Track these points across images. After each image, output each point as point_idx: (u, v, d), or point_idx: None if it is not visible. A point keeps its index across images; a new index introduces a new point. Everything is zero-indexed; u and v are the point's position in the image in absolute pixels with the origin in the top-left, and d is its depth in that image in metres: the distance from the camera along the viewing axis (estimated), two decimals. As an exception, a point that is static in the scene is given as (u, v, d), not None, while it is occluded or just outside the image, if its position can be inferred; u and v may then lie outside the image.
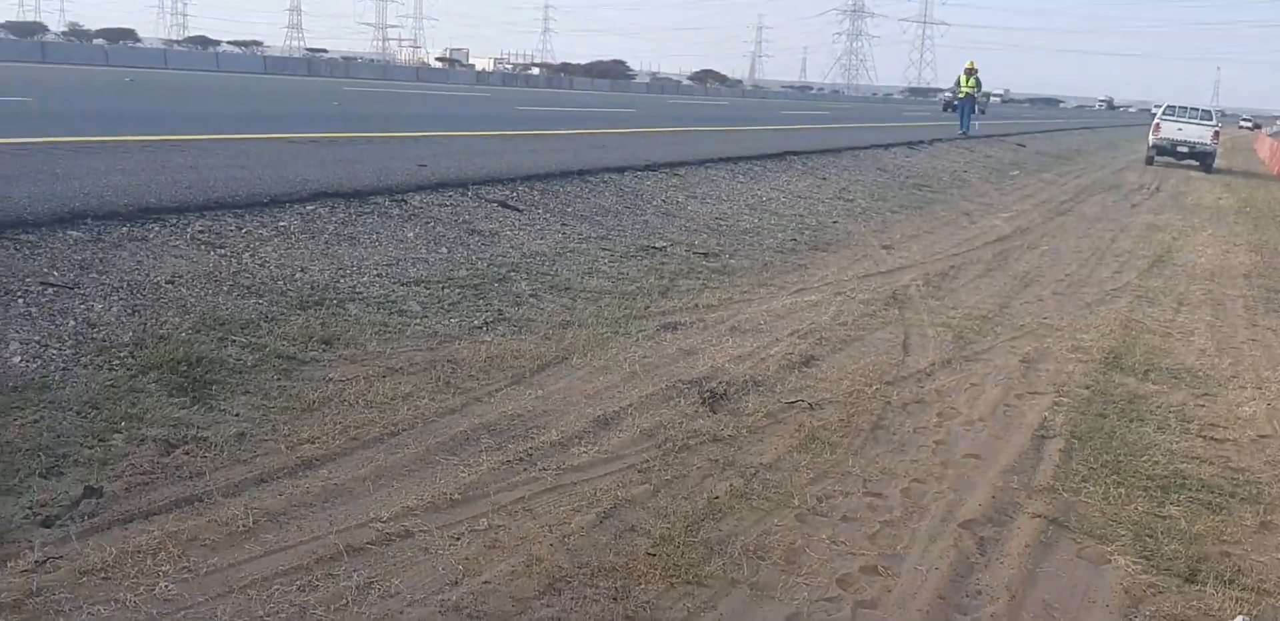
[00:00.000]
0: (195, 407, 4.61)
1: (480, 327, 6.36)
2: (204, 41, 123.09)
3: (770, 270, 9.37)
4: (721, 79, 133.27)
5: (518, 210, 9.49)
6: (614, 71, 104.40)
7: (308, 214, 7.71)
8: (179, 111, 16.47)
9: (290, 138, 11.97)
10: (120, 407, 4.45)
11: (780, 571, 3.78)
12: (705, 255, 9.55)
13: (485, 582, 3.47)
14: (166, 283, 5.91)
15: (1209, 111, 32.89)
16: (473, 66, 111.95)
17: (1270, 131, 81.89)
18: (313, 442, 4.42)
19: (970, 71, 30.92)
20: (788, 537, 4.06)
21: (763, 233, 11.27)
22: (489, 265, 7.74)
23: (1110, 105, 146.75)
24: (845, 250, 10.96)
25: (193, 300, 5.81)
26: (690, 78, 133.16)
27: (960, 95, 31.83)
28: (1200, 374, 7.08)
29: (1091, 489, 4.78)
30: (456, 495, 4.10)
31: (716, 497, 4.35)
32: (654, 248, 9.45)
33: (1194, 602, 3.81)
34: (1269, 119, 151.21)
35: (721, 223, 11.37)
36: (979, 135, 30.70)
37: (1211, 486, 4.96)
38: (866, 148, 21.27)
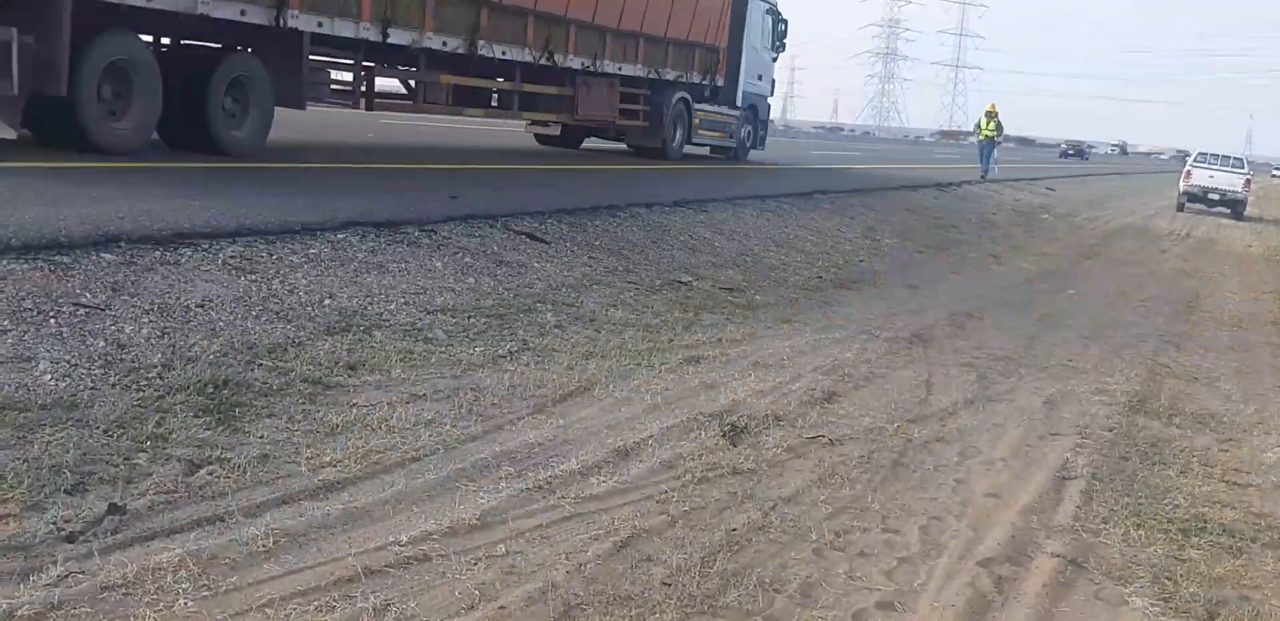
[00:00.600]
0: (220, 429, 4.66)
1: (504, 357, 6.40)
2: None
3: (795, 306, 9.39)
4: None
5: (545, 242, 9.56)
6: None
7: (338, 242, 7.79)
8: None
9: (327, 168, 12.09)
10: (146, 427, 4.50)
11: (796, 604, 3.77)
12: (730, 290, 9.59)
13: (501, 608, 3.48)
14: (197, 306, 5.98)
15: (1240, 159, 32.92)
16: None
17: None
18: (335, 466, 4.46)
19: (991, 114, 30.69)
20: (804, 571, 4.06)
21: (788, 269, 11.31)
22: (515, 296, 7.80)
23: (1123, 150, 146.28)
24: (870, 288, 10.98)
25: (222, 324, 5.87)
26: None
27: (981, 138, 31.51)
28: (1225, 419, 7.05)
29: (1111, 530, 4.76)
30: (475, 521, 4.12)
31: (734, 530, 4.36)
32: (679, 282, 9.50)
33: (1212, 646, 3.79)
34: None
35: (747, 259, 11.42)
36: (1000, 178, 30.40)
37: (1233, 530, 4.93)
38: (895, 189, 21.33)
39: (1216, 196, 30.59)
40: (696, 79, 20.55)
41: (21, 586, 3.22)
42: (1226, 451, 6.31)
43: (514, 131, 21.35)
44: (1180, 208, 31.38)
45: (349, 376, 5.57)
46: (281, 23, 11.05)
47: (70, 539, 3.56)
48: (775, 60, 24.37)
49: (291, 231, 7.71)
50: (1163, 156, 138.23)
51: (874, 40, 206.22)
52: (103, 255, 6.24)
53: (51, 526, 3.61)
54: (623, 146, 20.94)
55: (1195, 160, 32.03)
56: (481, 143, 22.29)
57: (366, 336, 6.24)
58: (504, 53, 14.95)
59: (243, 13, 10.65)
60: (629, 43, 18.16)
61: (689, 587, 3.76)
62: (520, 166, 15.87)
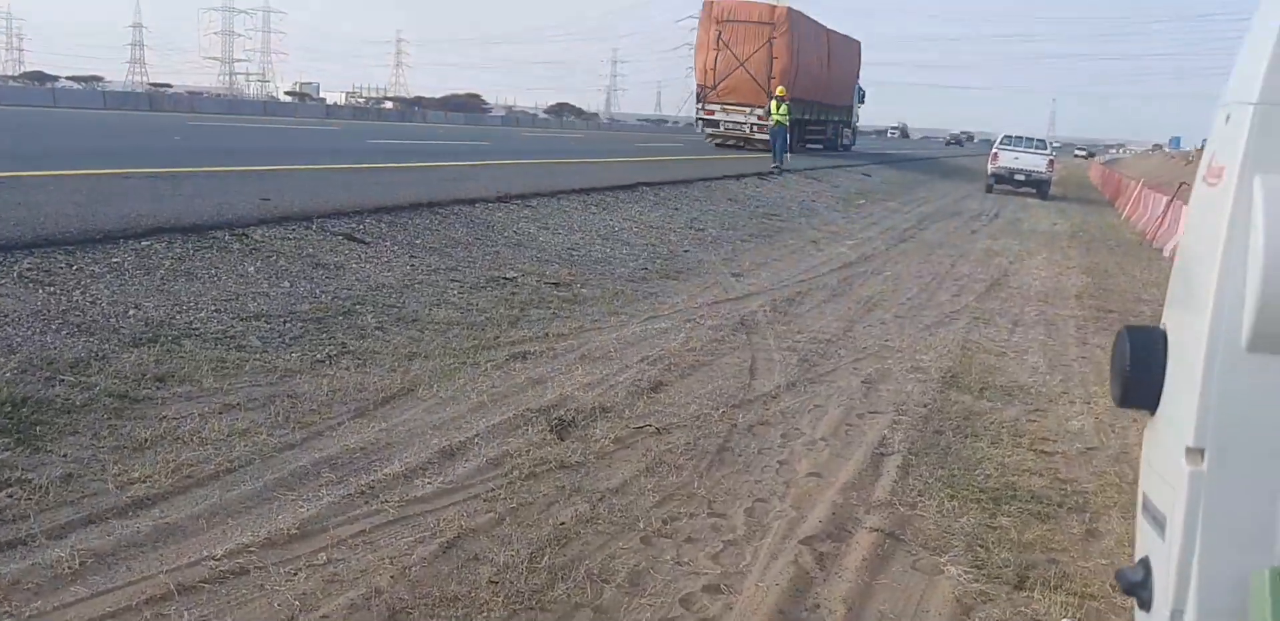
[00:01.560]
0: (20, 449, 4.43)
1: (323, 361, 6.26)
2: (40, 77, 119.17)
3: (621, 299, 9.44)
4: (578, 112, 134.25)
5: (364, 242, 9.39)
6: (469, 105, 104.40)
7: (143, 249, 7.50)
8: (9, 149, 15.87)
9: (127, 173, 11.63)
10: (-63, 452, 4.26)
11: (624, 594, 3.80)
12: (556, 285, 9.58)
13: (323, 617, 3.41)
14: (-10, 322, 5.69)
15: (1044, 141, 34.53)
16: (324, 100, 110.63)
17: (1103, 160, 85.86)
18: (144, 482, 4.29)
19: (780, 98, 28.59)
20: (632, 560, 4.08)
21: (614, 262, 11.36)
22: (333, 298, 7.63)
23: (904, 133, 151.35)
24: (695, 278, 11.11)
25: (19, 339, 5.59)
26: (546, 111, 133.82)
27: (772, 123, 28.60)
28: (1033, 390, 7.36)
29: (927, 503, 4.93)
30: (295, 530, 4.02)
31: (562, 523, 4.36)
32: (505, 278, 9.44)
33: (1022, 608, 3.95)
34: (1102, 148, 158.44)
35: (573, 253, 11.42)
36: (797, 168, 27.92)
37: (1041, 497, 5.16)
38: (718, 178, 21.61)
39: (1022, 177, 31.95)
40: (843, 117, 46.47)
41: None
42: (1034, 422, 6.59)
43: (329, 131, 20.80)
44: (989, 189, 32.66)
45: (158, 388, 5.37)
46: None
47: None
48: (861, 105, 50.12)
49: (92, 240, 7.39)
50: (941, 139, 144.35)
51: (691, 33, 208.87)
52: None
53: None
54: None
55: (1001, 143, 33.39)
56: (291, 145, 21.77)
57: (175, 346, 6.02)
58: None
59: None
60: (826, 107, 41.93)
61: (516, 584, 3.75)
62: (334, 167, 15.53)
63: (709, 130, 37.58)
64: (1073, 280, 13.60)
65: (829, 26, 42.45)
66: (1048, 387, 7.48)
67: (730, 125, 36.24)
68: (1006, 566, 4.27)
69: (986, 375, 7.64)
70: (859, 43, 48.61)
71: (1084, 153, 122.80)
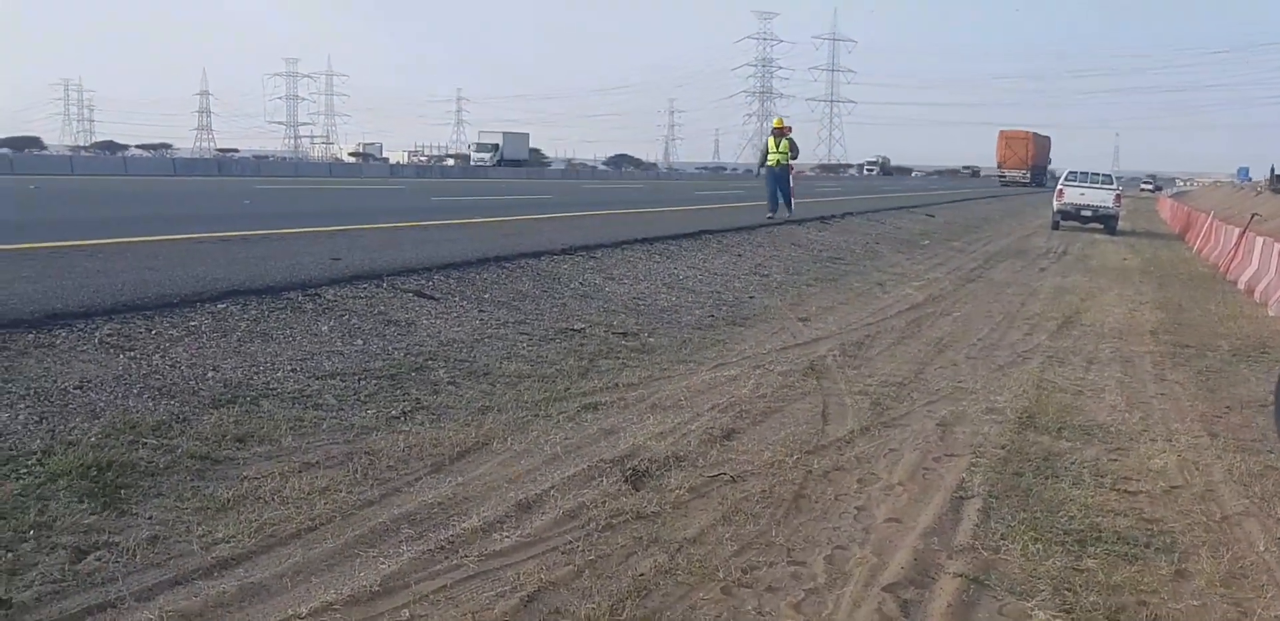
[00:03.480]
0: (106, 512, 4.52)
1: (398, 417, 6.33)
2: (111, 146, 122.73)
3: (689, 347, 9.45)
4: (636, 162, 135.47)
5: (434, 298, 9.51)
6: (530, 159, 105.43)
7: (219, 312, 7.66)
8: (86, 217, 16.32)
9: (201, 237, 11.91)
10: (29, 516, 4.35)
11: (707, 645, 3.77)
12: (624, 335, 9.62)
13: (408, 674, 3.42)
14: (75, 388, 5.83)
15: (1109, 176, 34.15)
16: (386, 160, 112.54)
17: (1170, 193, 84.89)
18: (228, 542, 4.35)
19: (780, 132, 22.96)
20: (714, 611, 4.06)
21: (680, 310, 11.39)
22: (405, 354, 7.72)
23: (974, 173, 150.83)
24: (762, 324, 11.09)
25: (102, 404, 5.72)
26: (605, 162, 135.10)
27: (771, 163, 22.93)
28: (1112, 429, 7.23)
29: (1010, 546, 4.85)
30: (377, 587, 4.04)
31: (641, 574, 4.34)
32: (572, 330, 9.50)
33: (1115, 653, 3.86)
34: (1168, 180, 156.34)
35: (639, 302, 11.47)
36: (804, 218, 23.73)
37: (1127, 538, 5.05)
38: (780, 224, 21.63)
39: (1089, 213, 31.60)
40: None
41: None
42: (1116, 460, 6.47)
43: (393, 190, 21.11)
44: (1055, 226, 32.33)
45: (238, 449, 5.46)
46: None
47: (-50, 639, 3.42)
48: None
49: (170, 305, 7.56)
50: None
51: (749, 80, 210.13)
52: (-28, 342, 6.06)
53: (-71, 627, 3.47)
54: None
55: (1066, 179, 33.07)
56: (356, 204, 22.13)
57: (254, 407, 6.12)
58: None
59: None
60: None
61: (598, 637, 3.73)
62: (399, 224, 15.78)
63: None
64: (1146, 316, 13.39)
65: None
66: (1127, 426, 7.35)
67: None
68: (1095, 609, 4.19)
69: (1064, 415, 7.53)
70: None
71: (1150, 186, 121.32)
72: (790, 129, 23.21)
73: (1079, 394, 8.35)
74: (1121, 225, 32.95)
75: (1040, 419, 7.36)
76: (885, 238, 23.66)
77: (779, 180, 23.26)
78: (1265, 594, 4.48)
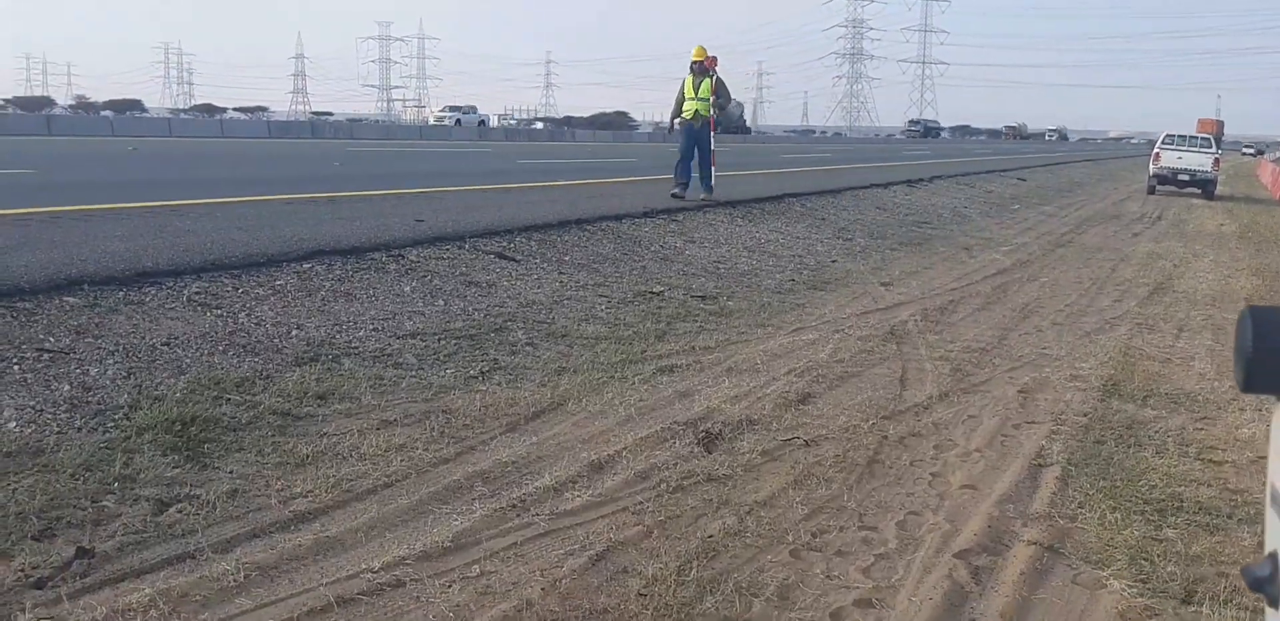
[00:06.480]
0: (189, 466, 4.64)
1: (476, 377, 6.39)
2: (209, 109, 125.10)
3: (768, 311, 9.40)
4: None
5: (515, 260, 9.57)
6: (616, 122, 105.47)
7: (304, 272, 7.79)
8: (180, 178, 16.67)
9: (290, 198, 12.11)
10: (114, 469, 4.48)
11: (773, 607, 3.77)
12: (703, 298, 9.60)
13: (476, 629, 3.47)
14: (162, 344, 5.97)
15: (1208, 139, 33.15)
16: (487, 119, 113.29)
17: (1272, 158, 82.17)
18: (305, 496, 4.44)
19: (700, 68, 15.47)
20: (781, 574, 4.05)
21: (760, 274, 11.33)
22: (485, 315, 7.79)
23: (1062, 136, 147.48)
24: (843, 288, 11.00)
25: (188, 361, 5.86)
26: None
27: (688, 117, 15.53)
28: (1200, 398, 7.06)
29: (1087, 515, 4.77)
30: (449, 543, 4.10)
31: (710, 536, 4.35)
32: (651, 293, 9.50)
33: (1191, 624, 3.79)
34: (1272, 145, 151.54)
35: (719, 265, 11.43)
36: (744, 198, 16.59)
37: (1209, 508, 4.94)
38: (866, 187, 21.40)
39: (1186, 177, 30.79)
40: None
41: (-12, 635, 3.20)
42: (1201, 430, 6.32)
43: (481, 153, 21.25)
44: (1151, 190, 31.57)
45: (319, 406, 5.56)
46: None
47: (39, 585, 3.54)
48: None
49: (256, 264, 7.70)
50: (1133, 141, 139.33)
51: (839, 41, 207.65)
52: (65, 299, 6.23)
53: (19, 573, 3.59)
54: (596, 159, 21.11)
55: (1164, 142, 32.23)
56: (444, 166, 22.27)
57: (335, 365, 6.22)
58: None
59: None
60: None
61: (665, 597, 3.75)
62: (485, 187, 15.87)
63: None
64: (1242, 283, 13.03)
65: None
66: (1216, 395, 7.17)
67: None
68: (1173, 580, 4.10)
69: (1150, 383, 7.37)
70: None
71: (1252, 150, 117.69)
72: (715, 60, 15.60)
73: (1167, 362, 8.16)
74: (1220, 190, 32.02)
75: (1126, 386, 7.21)
76: (974, 201, 23.28)
77: (697, 138, 15.61)
78: (1352, 568, 4.35)
